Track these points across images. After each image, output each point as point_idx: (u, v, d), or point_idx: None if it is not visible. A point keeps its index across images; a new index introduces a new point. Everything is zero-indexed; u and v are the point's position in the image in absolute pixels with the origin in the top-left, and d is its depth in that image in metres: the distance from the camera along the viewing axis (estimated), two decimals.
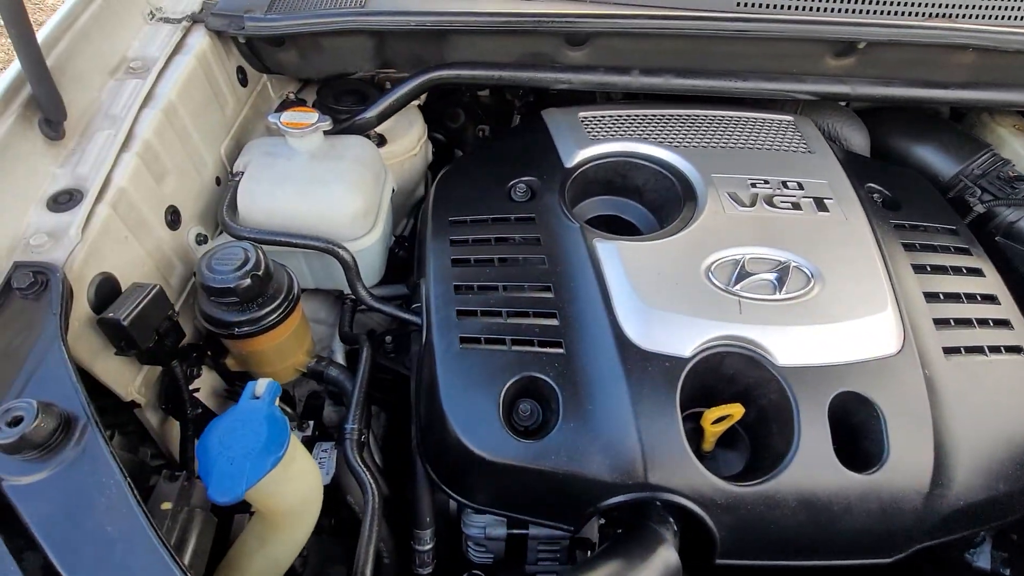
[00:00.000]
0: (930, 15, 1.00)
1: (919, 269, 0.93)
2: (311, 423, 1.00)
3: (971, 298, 0.92)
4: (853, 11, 1.00)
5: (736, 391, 0.81)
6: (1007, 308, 0.92)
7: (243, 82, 1.08)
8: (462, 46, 1.03)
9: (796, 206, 0.93)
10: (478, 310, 0.87)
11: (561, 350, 0.81)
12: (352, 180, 0.94)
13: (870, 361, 0.79)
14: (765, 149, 1.05)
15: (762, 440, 0.80)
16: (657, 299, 0.82)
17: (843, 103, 1.34)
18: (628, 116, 1.12)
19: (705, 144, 1.05)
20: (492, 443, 0.77)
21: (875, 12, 1.00)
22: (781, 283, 0.84)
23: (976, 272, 0.96)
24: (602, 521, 0.85)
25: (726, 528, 0.74)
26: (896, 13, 1.00)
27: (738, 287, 0.83)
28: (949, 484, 0.76)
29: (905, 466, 0.74)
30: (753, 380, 0.80)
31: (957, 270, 0.95)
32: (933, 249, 0.97)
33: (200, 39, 0.95)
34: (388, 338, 1.11)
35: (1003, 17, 1.02)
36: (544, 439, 0.76)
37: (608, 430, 0.75)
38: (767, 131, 1.09)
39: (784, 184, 0.97)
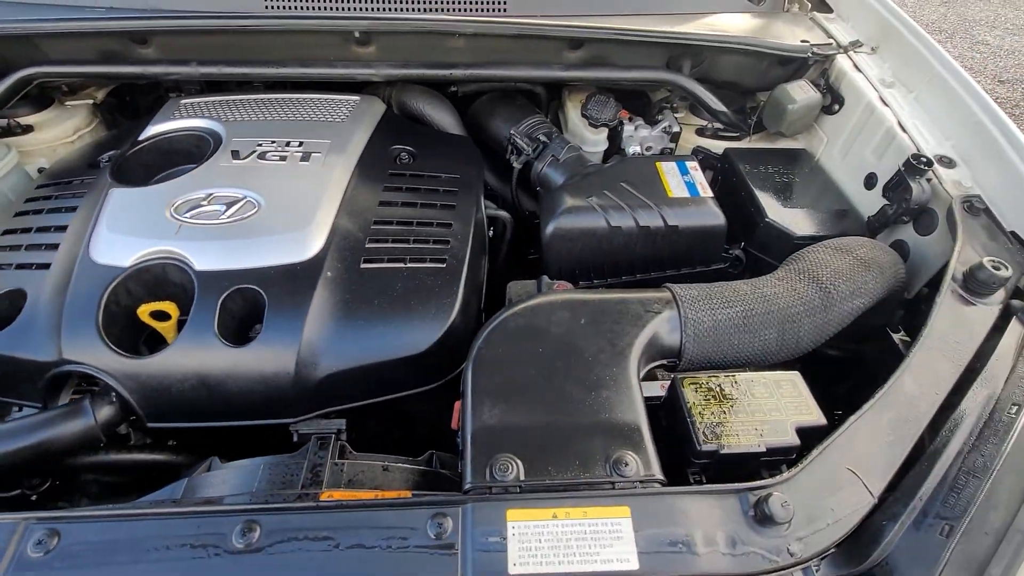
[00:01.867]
0: (415, 10, 1.26)
1: (386, 203, 1.17)
2: None
3: (425, 223, 1.15)
4: (356, 9, 1.27)
5: (187, 296, 1.03)
6: (455, 233, 1.15)
7: None
8: (50, 48, 1.28)
9: (283, 158, 1.18)
10: (7, 246, 1.10)
11: (47, 270, 1.04)
12: None
13: (275, 266, 1.01)
14: (304, 120, 1.30)
15: None
16: (120, 227, 1.05)
17: (453, 88, 1.61)
18: (218, 102, 1.37)
19: (256, 118, 1.30)
20: None
21: (373, 9, 1.27)
22: (226, 211, 1.07)
23: (449, 207, 1.20)
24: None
25: (137, 394, 0.95)
26: (388, 10, 1.27)
27: (187, 215, 1.06)
28: (317, 356, 0.97)
29: (276, 341, 0.96)
30: (189, 284, 1.02)
31: (429, 205, 1.19)
32: (416, 190, 1.21)
33: None
34: None
35: (481, 10, 1.29)
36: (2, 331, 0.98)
37: (44, 321, 0.97)
38: (322, 108, 1.34)
39: (288, 144, 1.21)
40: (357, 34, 1.24)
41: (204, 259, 1.01)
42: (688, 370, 0.90)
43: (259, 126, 1.27)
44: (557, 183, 1.33)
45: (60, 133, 1.46)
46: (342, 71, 1.31)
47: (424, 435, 1.18)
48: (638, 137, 1.48)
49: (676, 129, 1.47)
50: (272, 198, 1.09)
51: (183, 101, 1.36)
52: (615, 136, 1.51)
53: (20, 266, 1.05)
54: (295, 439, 1.04)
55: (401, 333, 1.02)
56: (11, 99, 1.31)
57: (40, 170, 1.43)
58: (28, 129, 1.42)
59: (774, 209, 1.23)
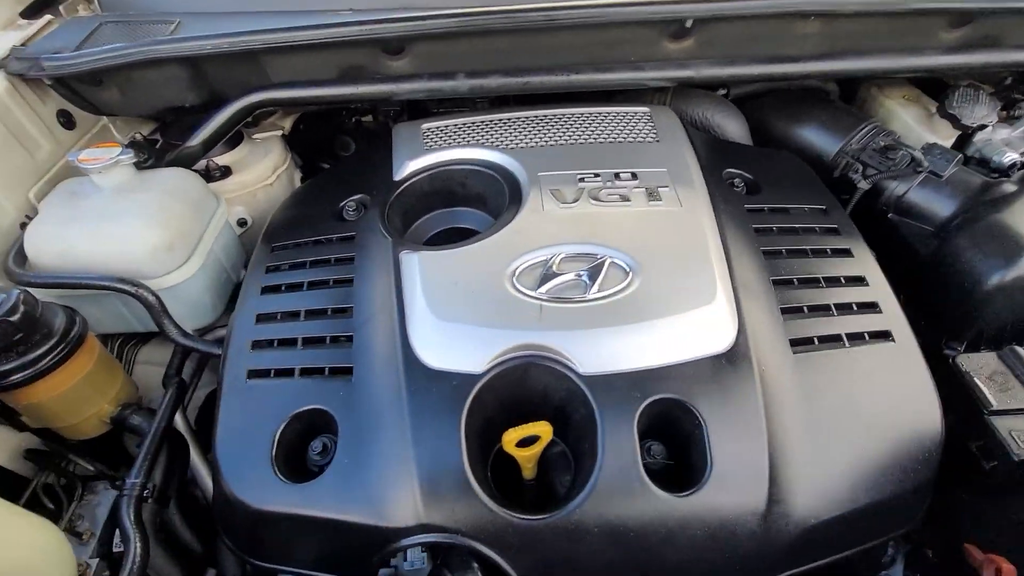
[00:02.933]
0: None
1: (772, 254, 0.84)
2: None
3: (833, 281, 0.82)
4: None
5: (553, 408, 0.71)
6: (876, 290, 0.82)
7: (67, 125, 1.05)
8: (279, 66, 0.98)
9: (625, 198, 0.85)
10: (274, 339, 0.79)
11: (350, 377, 0.73)
12: (151, 212, 0.88)
13: (692, 362, 0.69)
14: (607, 142, 0.97)
15: (579, 462, 0.70)
16: (450, 311, 0.73)
17: (723, 91, 1.28)
18: (472, 123, 1.05)
19: (543, 143, 0.98)
20: (258, 489, 0.67)
21: None
22: (593, 281, 0.75)
23: (843, 252, 0.86)
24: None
25: (526, 570, 0.63)
26: None
27: (542, 290, 0.74)
28: (792, 501, 0.64)
29: (732, 482, 0.63)
30: (563, 393, 0.70)
31: (819, 252, 0.86)
32: (792, 232, 0.88)
33: None
34: None
35: None
36: (314, 481, 0.67)
37: (384, 466, 0.65)
38: (615, 124, 1.02)
39: (617, 176, 0.89)
40: (689, 23, 0.92)
41: (587, 356, 0.69)
42: None
43: (554, 154, 0.95)
44: (944, 212, 0.98)
45: (261, 173, 1.16)
46: (652, 74, 0.98)
47: None
48: (997, 141, 1.13)
49: None
50: (642, 258, 0.77)
51: (425, 126, 1.05)
52: (960, 141, 1.16)
53: (306, 371, 0.75)
54: None
55: (887, 455, 0.69)
56: (227, 134, 1.02)
57: (241, 222, 1.14)
58: (226, 172, 1.13)
59: None
